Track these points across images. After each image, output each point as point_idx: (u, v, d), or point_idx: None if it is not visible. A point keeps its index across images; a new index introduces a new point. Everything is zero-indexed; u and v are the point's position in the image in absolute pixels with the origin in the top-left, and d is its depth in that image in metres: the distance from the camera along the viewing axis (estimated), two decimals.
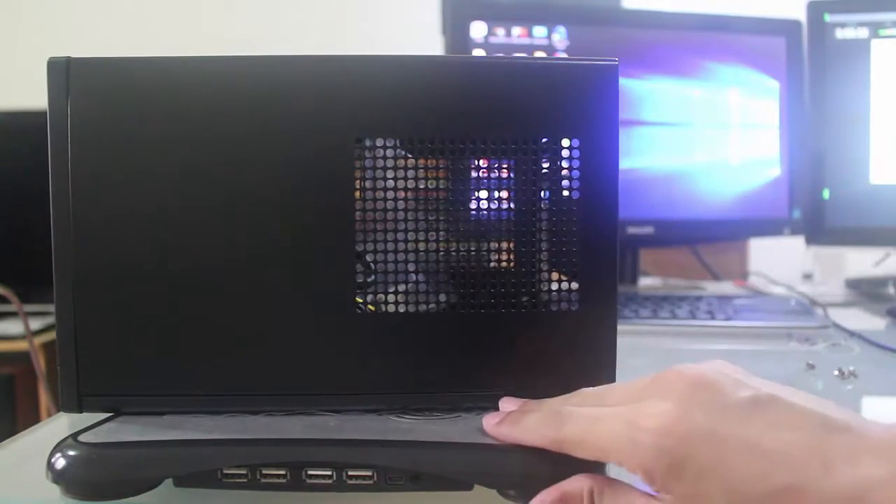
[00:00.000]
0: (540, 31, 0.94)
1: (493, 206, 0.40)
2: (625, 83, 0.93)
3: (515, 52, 0.93)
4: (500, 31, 0.93)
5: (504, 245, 0.40)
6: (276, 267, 0.39)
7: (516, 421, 0.35)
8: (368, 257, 0.39)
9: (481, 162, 0.40)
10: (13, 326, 1.53)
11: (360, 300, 0.39)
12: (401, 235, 0.39)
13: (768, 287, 1.10)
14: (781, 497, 0.27)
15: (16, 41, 2.16)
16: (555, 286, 0.40)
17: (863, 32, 0.97)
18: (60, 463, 0.35)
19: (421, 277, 0.40)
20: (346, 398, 0.40)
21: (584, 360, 0.40)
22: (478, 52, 0.92)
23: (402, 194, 0.39)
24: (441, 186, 0.39)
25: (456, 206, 0.40)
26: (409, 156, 0.39)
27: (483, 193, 0.40)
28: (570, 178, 0.39)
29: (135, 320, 0.39)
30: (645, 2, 1.18)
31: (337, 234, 0.39)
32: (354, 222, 0.39)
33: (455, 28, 0.93)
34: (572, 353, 0.40)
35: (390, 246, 0.39)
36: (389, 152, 0.39)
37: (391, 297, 0.39)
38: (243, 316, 0.39)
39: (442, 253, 0.39)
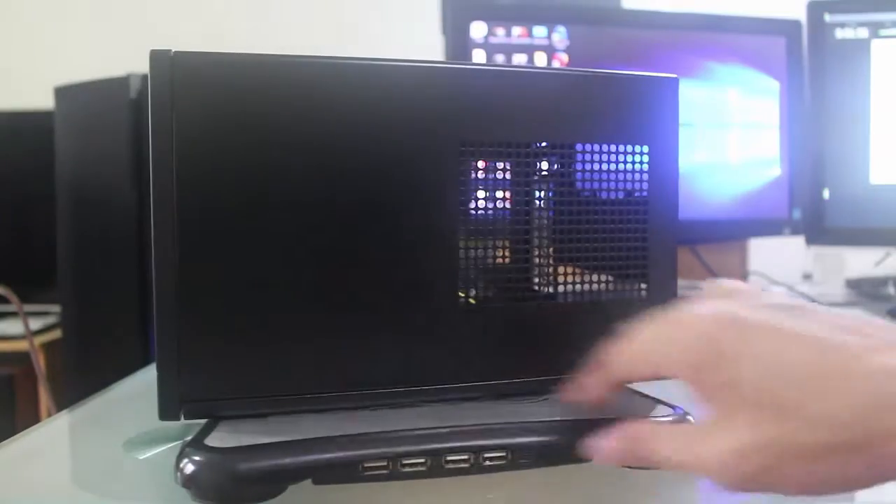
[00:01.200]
0: (540, 31, 0.94)
1: (583, 205, 0.44)
2: None
3: (515, 52, 0.93)
4: (500, 31, 0.93)
5: (596, 240, 0.44)
6: (379, 265, 0.40)
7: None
8: (471, 253, 0.41)
9: (569, 165, 0.44)
10: (13, 326, 1.53)
11: (463, 294, 0.41)
12: (502, 233, 0.42)
13: (768, 287, 1.10)
14: (815, 381, 0.27)
15: (16, 41, 2.16)
16: (628, 276, 0.44)
17: (863, 32, 0.97)
18: (190, 468, 0.35)
19: (520, 271, 0.43)
20: (445, 389, 0.41)
21: None
22: (478, 53, 0.92)
23: (501, 194, 0.42)
24: (536, 187, 0.43)
25: (552, 205, 0.43)
26: (510, 159, 0.42)
27: (574, 194, 0.44)
28: (641, 181, 0.44)
29: (236, 323, 0.38)
30: (645, 2, 1.18)
31: (442, 233, 0.40)
32: (458, 221, 0.41)
33: (455, 28, 0.93)
34: None
35: (489, 243, 0.41)
36: (491, 156, 0.42)
37: (493, 291, 0.42)
38: (344, 314, 0.40)
39: (539, 248, 0.43)
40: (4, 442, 0.46)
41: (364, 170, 0.39)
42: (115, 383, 0.61)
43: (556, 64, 0.94)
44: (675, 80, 0.45)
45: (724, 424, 0.28)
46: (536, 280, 0.43)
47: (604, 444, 0.34)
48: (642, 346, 0.33)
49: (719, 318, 0.30)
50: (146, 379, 0.65)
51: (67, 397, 0.90)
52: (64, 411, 0.54)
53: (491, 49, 0.93)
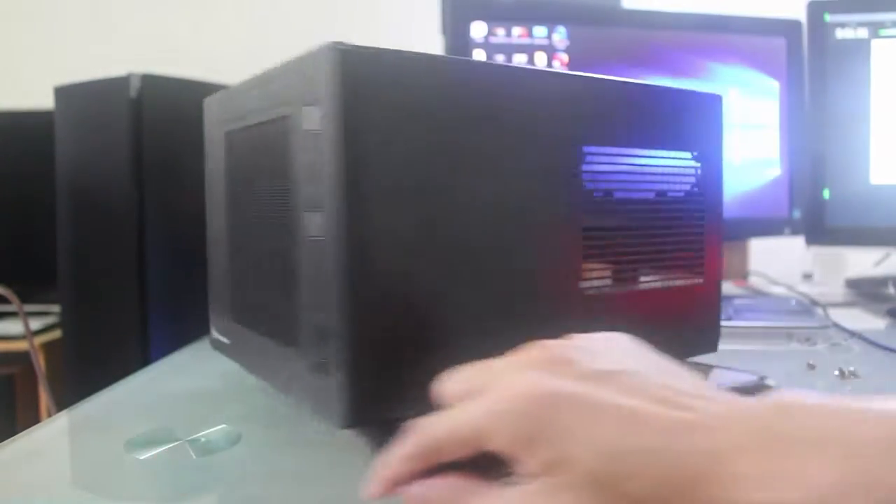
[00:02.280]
0: (540, 31, 0.94)
1: (666, 204, 0.50)
2: None
3: (515, 52, 0.93)
4: (500, 31, 0.93)
5: (676, 234, 0.51)
6: (527, 262, 0.43)
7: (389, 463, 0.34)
8: (594, 242, 0.46)
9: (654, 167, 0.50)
10: (13, 326, 1.53)
11: (587, 283, 0.45)
12: (617, 224, 0.47)
13: (768, 287, 1.10)
14: (648, 454, 0.27)
15: (16, 41, 2.16)
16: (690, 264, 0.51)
17: (863, 32, 0.97)
18: None
19: (628, 261, 0.48)
20: None
21: (705, 321, 0.52)
22: (478, 53, 0.92)
23: (615, 187, 0.47)
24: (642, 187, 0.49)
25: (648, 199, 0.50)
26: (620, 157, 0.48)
27: (663, 194, 0.51)
28: (695, 182, 0.51)
29: (407, 329, 0.39)
30: (645, 2, 1.18)
31: (570, 225, 0.45)
32: (582, 215, 0.45)
33: (455, 28, 0.92)
34: (698, 315, 0.51)
35: (608, 234, 0.46)
36: (604, 156, 0.47)
37: (609, 278, 0.47)
38: (499, 309, 0.42)
39: (644, 239, 0.48)
40: (4, 442, 0.46)
41: (515, 170, 0.42)
42: (115, 383, 0.61)
43: (556, 64, 0.94)
44: (719, 98, 0.53)
45: (552, 495, 0.28)
46: (641, 270, 0.48)
47: (414, 495, 0.32)
48: (464, 420, 0.30)
49: (548, 396, 0.29)
50: (146, 379, 0.65)
51: (67, 397, 0.90)
52: (64, 411, 0.54)
53: (491, 49, 0.93)
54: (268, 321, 0.48)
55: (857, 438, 0.26)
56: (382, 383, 0.39)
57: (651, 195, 0.49)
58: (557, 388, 0.29)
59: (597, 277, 0.46)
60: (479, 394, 0.31)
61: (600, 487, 0.27)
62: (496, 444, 0.29)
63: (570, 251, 0.45)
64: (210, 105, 0.59)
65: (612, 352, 0.33)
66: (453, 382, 0.34)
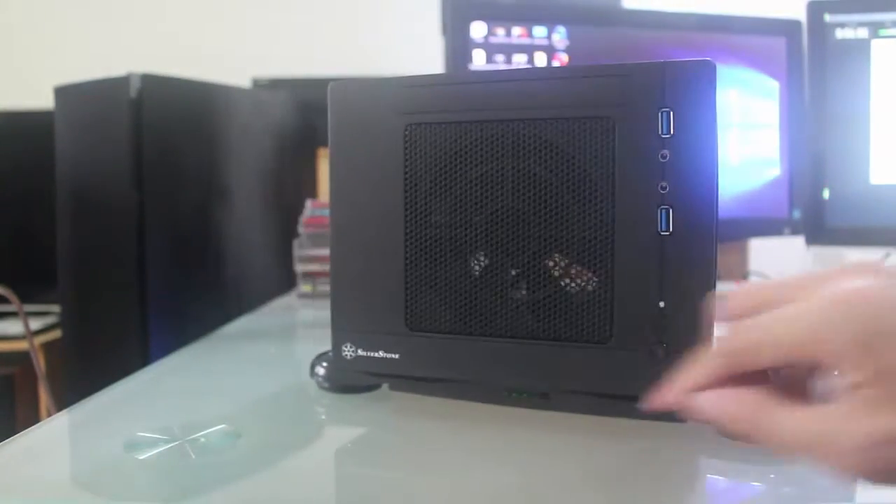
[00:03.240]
0: (540, 31, 0.94)
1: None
2: None
3: (515, 52, 0.93)
4: (500, 31, 0.93)
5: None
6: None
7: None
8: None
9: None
10: (13, 326, 1.53)
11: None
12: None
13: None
14: None
15: (16, 41, 2.16)
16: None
17: (863, 32, 0.97)
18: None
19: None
20: None
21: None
22: (478, 53, 0.92)
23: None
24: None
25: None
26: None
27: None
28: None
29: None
30: (645, 2, 1.18)
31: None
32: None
33: (455, 28, 0.92)
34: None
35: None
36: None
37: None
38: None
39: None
40: (4, 442, 0.46)
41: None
42: (115, 383, 0.61)
43: (555, 64, 0.94)
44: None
45: (876, 411, 0.25)
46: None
47: (715, 402, 0.29)
48: (794, 323, 0.28)
49: (878, 299, 0.26)
50: (146, 379, 0.65)
51: (67, 397, 0.90)
52: (64, 411, 0.54)
53: (491, 49, 0.93)
54: (537, 321, 0.48)
55: None
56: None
57: None
58: (887, 292, 0.26)
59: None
60: (785, 304, 0.28)
61: None
62: (828, 348, 0.27)
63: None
64: (356, 95, 0.53)
65: None
66: (741, 297, 0.31)
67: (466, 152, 0.50)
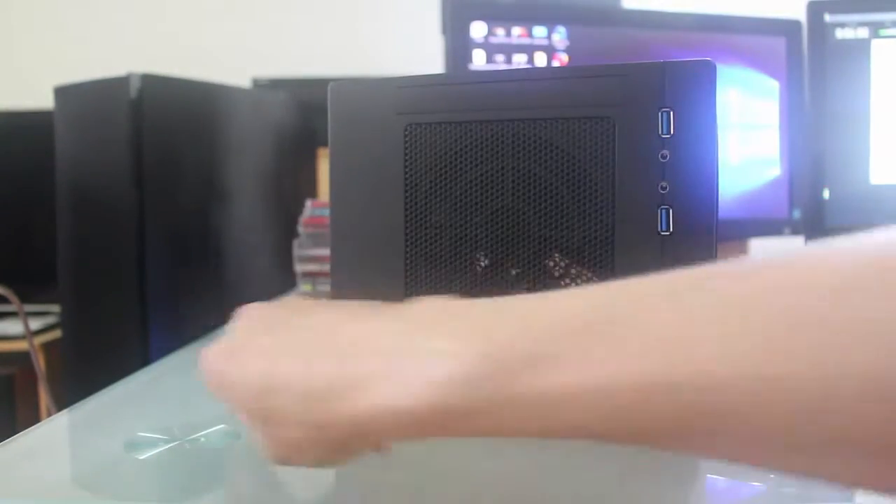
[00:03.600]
0: (540, 31, 0.94)
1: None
2: None
3: (515, 52, 0.93)
4: (500, 31, 0.93)
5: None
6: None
7: None
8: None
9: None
10: (13, 326, 1.53)
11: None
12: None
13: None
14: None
15: (16, 41, 2.16)
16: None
17: (863, 32, 0.97)
18: None
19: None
20: None
21: None
22: (478, 53, 0.92)
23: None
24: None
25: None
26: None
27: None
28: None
29: None
30: (645, 2, 1.18)
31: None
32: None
33: (455, 28, 0.92)
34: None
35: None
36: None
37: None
38: None
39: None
40: (4, 442, 0.46)
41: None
42: (115, 383, 0.61)
43: (555, 65, 0.94)
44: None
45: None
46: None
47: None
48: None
49: (226, 350, 0.33)
50: (146, 379, 0.65)
51: (67, 397, 0.90)
52: (64, 411, 0.54)
53: (491, 49, 0.93)
54: None
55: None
56: None
57: None
58: (235, 341, 0.33)
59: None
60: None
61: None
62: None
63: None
64: (356, 95, 0.53)
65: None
66: None
67: (466, 152, 0.50)
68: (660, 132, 0.45)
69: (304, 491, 0.40)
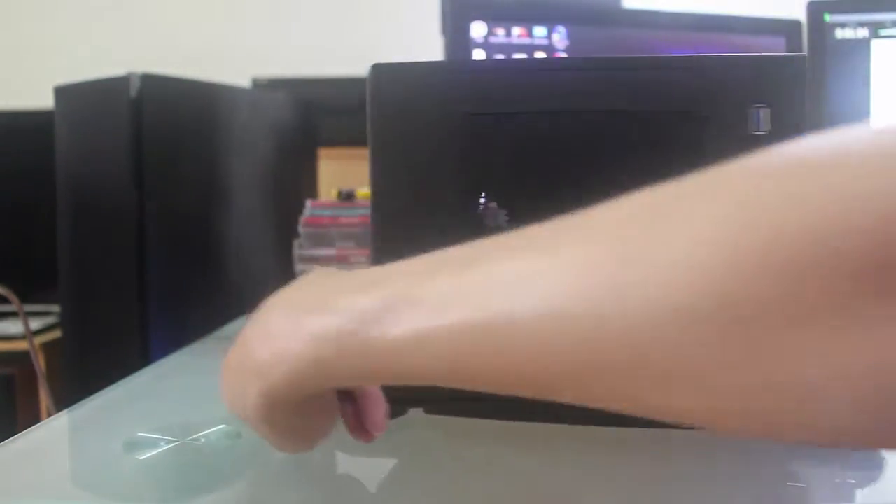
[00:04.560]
0: (540, 31, 0.94)
1: None
2: None
3: (515, 52, 0.93)
4: (500, 31, 0.93)
5: None
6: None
7: None
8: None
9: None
10: (13, 326, 1.53)
11: None
12: None
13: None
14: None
15: (16, 41, 2.16)
16: None
17: (863, 32, 0.97)
18: None
19: None
20: None
21: None
22: (478, 53, 0.92)
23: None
24: None
25: None
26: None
27: None
28: None
29: None
30: (645, 2, 1.18)
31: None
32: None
33: (455, 28, 0.92)
34: None
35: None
36: None
37: None
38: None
39: None
40: (4, 442, 0.46)
41: None
42: (115, 383, 0.61)
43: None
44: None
45: None
46: None
47: None
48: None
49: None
50: (146, 379, 0.65)
51: (67, 397, 0.90)
52: (64, 411, 0.54)
53: (491, 49, 0.93)
54: None
55: None
56: None
57: None
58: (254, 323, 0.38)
59: None
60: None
61: None
62: None
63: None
64: (407, 81, 0.48)
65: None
66: None
67: (537, 147, 0.45)
68: (752, 129, 0.42)
69: (304, 491, 0.40)
